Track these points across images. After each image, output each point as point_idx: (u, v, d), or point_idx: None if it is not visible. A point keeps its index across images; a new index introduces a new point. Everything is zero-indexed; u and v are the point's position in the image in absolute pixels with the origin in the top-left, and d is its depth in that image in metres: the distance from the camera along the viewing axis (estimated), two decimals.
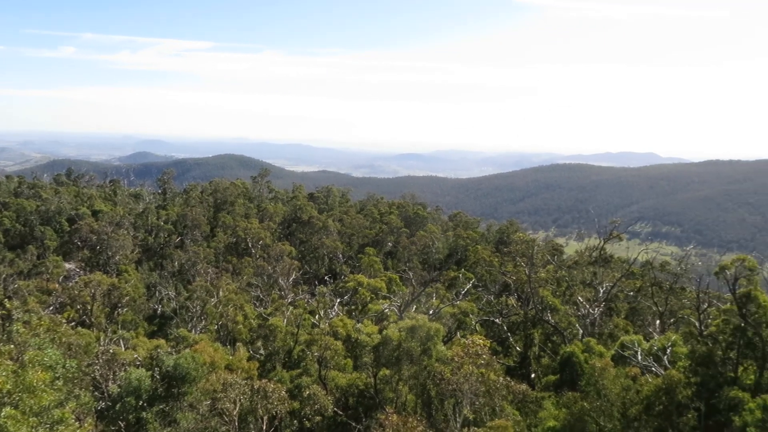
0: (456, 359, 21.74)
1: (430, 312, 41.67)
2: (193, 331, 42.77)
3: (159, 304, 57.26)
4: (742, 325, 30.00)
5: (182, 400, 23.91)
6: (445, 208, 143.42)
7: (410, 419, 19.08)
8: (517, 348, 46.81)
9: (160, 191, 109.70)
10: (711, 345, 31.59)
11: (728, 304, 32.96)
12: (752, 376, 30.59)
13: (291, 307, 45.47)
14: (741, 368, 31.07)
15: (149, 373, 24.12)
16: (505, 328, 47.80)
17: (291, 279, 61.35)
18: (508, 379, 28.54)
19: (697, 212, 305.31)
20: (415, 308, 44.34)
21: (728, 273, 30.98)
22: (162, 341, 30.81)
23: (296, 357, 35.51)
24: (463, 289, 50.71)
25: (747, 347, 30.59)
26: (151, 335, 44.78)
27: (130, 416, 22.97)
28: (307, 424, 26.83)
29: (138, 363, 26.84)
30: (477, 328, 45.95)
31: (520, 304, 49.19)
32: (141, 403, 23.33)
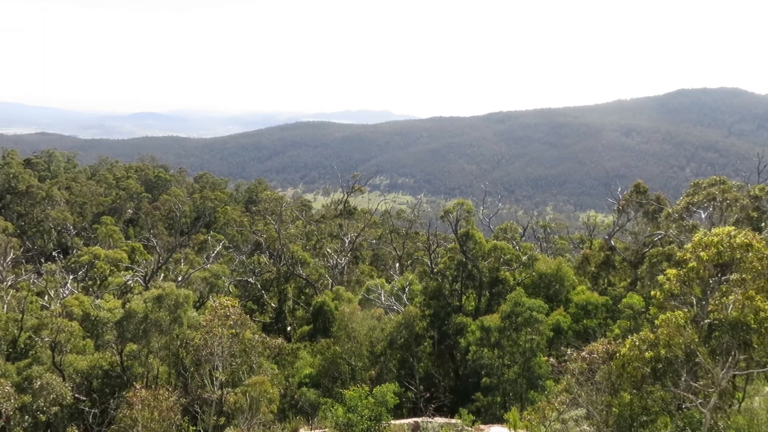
0: (205, 323, 21.18)
1: (179, 279, 39.85)
2: None
3: None
4: (464, 260, 34.53)
5: None
6: (189, 170, 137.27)
7: (161, 391, 18.17)
8: (272, 304, 47.52)
9: None
10: (440, 280, 35.80)
11: (452, 243, 37.57)
12: (473, 303, 35.58)
13: (12, 291, 39.48)
14: (464, 297, 35.90)
15: None
16: (259, 286, 48.06)
17: (9, 259, 53.08)
18: (264, 335, 28.84)
19: (426, 163, 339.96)
20: (163, 276, 41.97)
21: (451, 216, 35.17)
22: None
23: (23, 346, 31.15)
24: (214, 252, 49.42)
25: (468, 279, 35.38)
26: None
27: None
28: (42, 417, 23.89)
29: None
30: (231, 290, 45.39)
31: (272, 261, 49.77)
32: None
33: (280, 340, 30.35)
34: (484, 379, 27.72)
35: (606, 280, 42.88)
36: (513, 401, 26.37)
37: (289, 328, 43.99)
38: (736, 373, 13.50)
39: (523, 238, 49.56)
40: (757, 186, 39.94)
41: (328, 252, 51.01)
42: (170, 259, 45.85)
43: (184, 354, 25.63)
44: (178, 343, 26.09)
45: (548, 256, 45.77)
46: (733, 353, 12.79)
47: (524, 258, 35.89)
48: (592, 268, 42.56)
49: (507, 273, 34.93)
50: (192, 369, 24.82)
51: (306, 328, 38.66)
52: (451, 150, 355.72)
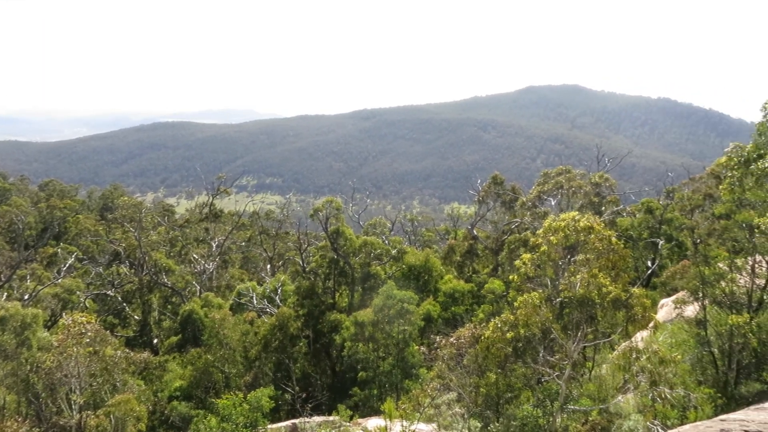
0: (57, 344, 19.48)
1: (26, 297, 36.32)
2: None
3: None
4: (335, 257, 34.72)
5: None
6: (33, 177, 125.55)
7: (8, 422, 16.44)
8: (136, 316, 44.80)
9: None
10: (313, 279, 35.76)
11: (323, 242, 37.64)
12: (346, 299, 35.91)
13: None
14: (338, 294, 36.14)
15: None
16: (120, 298, 45.10)
17: None
18: (128, 350, 27.15)
19: (294, 162, 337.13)
20: (6, 296, 37.97)
21: (321, 214, 35.21)
22: None
23: None
24: (65, 265, 45.58)
25: (341, 275, 35.64)
26: None
27: None
28: None
29: None
30: (87, 305, 42.15)
31: (133, 271, 46.87)
32: None
33: (145, 354, 28.79)
34: (360, 374, 28.08)
35: (471, 267, 45.18)
36: (389, 392, 26.98)
37: (155, 341, 41.73)
38: (586, 344, 14.79)
39: (392, 232, 50.88)
40: (597, 174, 44.05)
41: (194, 258, 48.97)
42: (14, 277, 41.62)
43: (36, 379, 23.37)
44: (28, 367, 23.74)
45: (417, 248, 47.33)
46: (581, 327, 13.99)
47: (394, 252, 36.81)
48: (458, 257, 44.65)
49: (378, 267, 35.62)
50: (45, 395, 22.71)
51: (174, 338, 36.88)
52: (319, 148, 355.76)
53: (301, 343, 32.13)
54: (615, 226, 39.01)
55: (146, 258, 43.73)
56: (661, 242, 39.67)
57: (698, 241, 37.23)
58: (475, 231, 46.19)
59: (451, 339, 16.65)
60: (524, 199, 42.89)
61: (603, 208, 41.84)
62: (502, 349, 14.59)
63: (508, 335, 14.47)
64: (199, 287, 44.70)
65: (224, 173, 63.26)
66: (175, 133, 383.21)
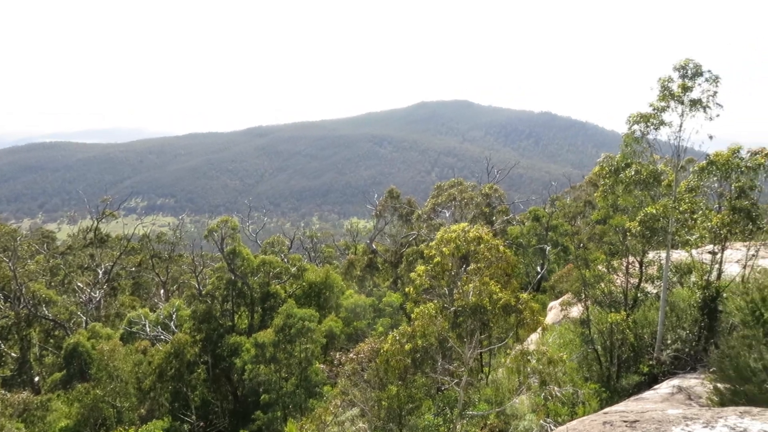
0: None
1: None
2: None
3: None
4: (233, 278, 33.82)
5: None
6: None
7: None
8: (13, 354, 41.21)
9: None
10: (210, 302, 34.56)
11: (220, 263, 36.55)
12: (246, 321, 35.03)
13: None
14: (237, 316, 35.17)
15: None
16: None
17: None
18: (3, 391, 25.00)
19: (187, 182, 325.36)
20: None
21: (216, 234, 34.22)
22: None
23: None
24: None
25: (239, 297, 34.74)
26: None
27: None
28: None
29: None
30: None
31: (8, 304, 43.15)
32: None
33: (25, 394, 26.62)
34: (263, 396, 27.43)
35: (371, 281, 45.61)
36: (294, 413, 26.55)
37: (37, 378, 38.59)
38: (481, 350, 15.35)
39: (292, 250, 50.26)
40: (487, 185, 46.01)
41: (79, 286, 45.89)
42: None
43: None
44: None
45: (317, 264, 47.08)
46: (476, 334, 14.52)
47: (293, 269, 36.40)
48: (358, 272, 44.94)
49: (278, 286, 35.07)
50: None
51: (58, 375, 34.28)
52: (213, 166, 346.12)
53: (200, 370, 30.92)
54: (506, 235, 40.90)
55: (23, 290, 40.44)
56: (548, 248, 42.02)
57: (580, 245, 39.82)
58: (374, 245, 46.70)
59: (351, 354, 16.69)
60: (420, 212, 43.96)
61: (494, 217, 43.75)
62: (402, 361, 14.82)
63: (407, 347, 14.74)
64: (85, 318, 41.90)
65: (110, 195, 59.90)
66: (54, 154, 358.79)
